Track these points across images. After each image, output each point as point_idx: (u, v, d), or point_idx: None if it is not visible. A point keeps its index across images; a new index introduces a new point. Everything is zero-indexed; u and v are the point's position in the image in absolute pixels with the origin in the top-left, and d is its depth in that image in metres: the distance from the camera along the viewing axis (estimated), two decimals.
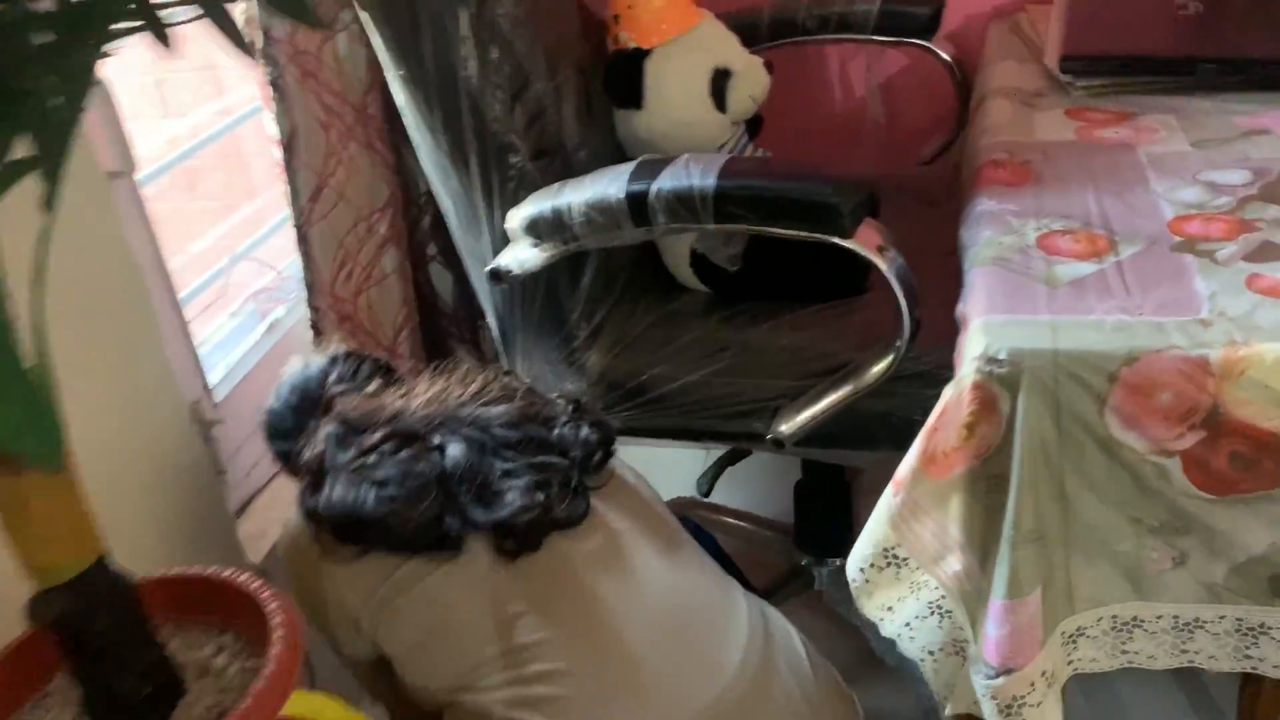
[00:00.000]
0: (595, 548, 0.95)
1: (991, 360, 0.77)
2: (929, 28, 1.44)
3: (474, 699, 0.88)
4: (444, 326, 1.55)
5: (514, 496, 0.91)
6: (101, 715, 0.75)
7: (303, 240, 1.35)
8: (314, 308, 1.39)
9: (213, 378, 1.41)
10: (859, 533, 1.53)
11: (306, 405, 1.07)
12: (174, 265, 1.53)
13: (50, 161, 0.59)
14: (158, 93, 1.87)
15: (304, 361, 1.12)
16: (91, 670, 0.73)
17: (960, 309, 0.89)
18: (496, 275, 1.11)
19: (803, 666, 0.96)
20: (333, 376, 1.08)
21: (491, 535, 0.91)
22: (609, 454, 1.02)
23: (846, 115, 1.59)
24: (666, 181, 0.98)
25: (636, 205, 0.99)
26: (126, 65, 1.63)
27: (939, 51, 1.46)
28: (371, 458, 0.93)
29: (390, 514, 0.90)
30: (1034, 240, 0.90)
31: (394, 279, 1.41)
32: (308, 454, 0.99)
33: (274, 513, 1.45)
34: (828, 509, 1.50)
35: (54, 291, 0.65)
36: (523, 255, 1.09)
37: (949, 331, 1.09)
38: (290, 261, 1.58)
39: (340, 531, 0.94)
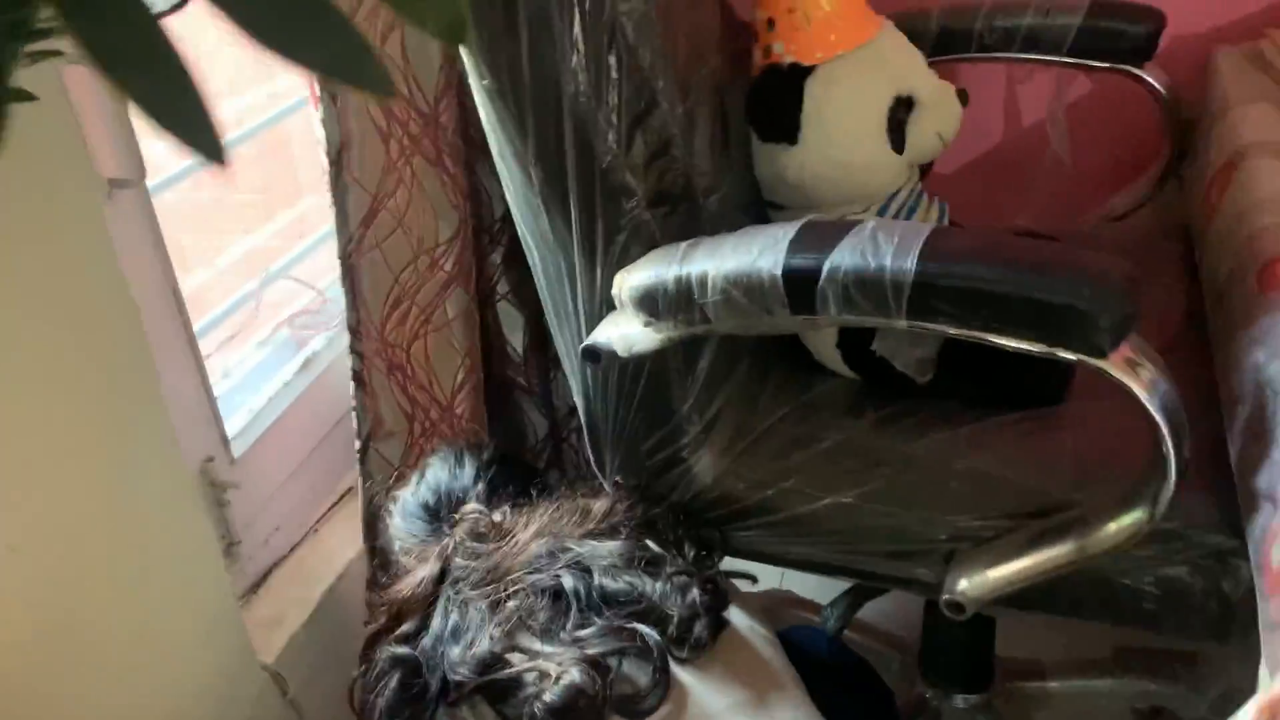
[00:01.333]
0: None
1: None
2: (1143, 51, 1.15)
3: None
4: (510, 378, 1.29)
5: (561, 683, 0.72)
6: None
7: (349, 272, 1.09)
8: (358, 353, 1.13)
9: (232, 426, 1.16)
10: (1000, 665, 1.26)
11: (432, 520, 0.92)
12: (196, 282, 1.28)
13: None
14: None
15: (447, 465, 0.96)
16: None
17: (1267, 479, 0.61)
18: (593, 354, 0.84)
19: None
20: (476, 490, 0.92)
21: None
22: (719, 626, 0.79)
23: (1019, 151, 1.30)
24: (845, 258, 0.71)
25: (799, 287, 0.72)
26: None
27: (1151, 80, 1.16)
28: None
29: None
30: None
31: (458, 324, 1.15)
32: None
33: (294, 590, 1.20)
34: (966, 636, 1.22)
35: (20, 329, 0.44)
36: (630, 333, 0.82)
37: (1196, 472, 0.81)
38: (333, 280, 1.33)
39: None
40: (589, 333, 0.86)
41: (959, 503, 0.85)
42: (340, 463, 1.29)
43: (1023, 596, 0.83)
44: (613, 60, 0.79)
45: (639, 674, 0.74)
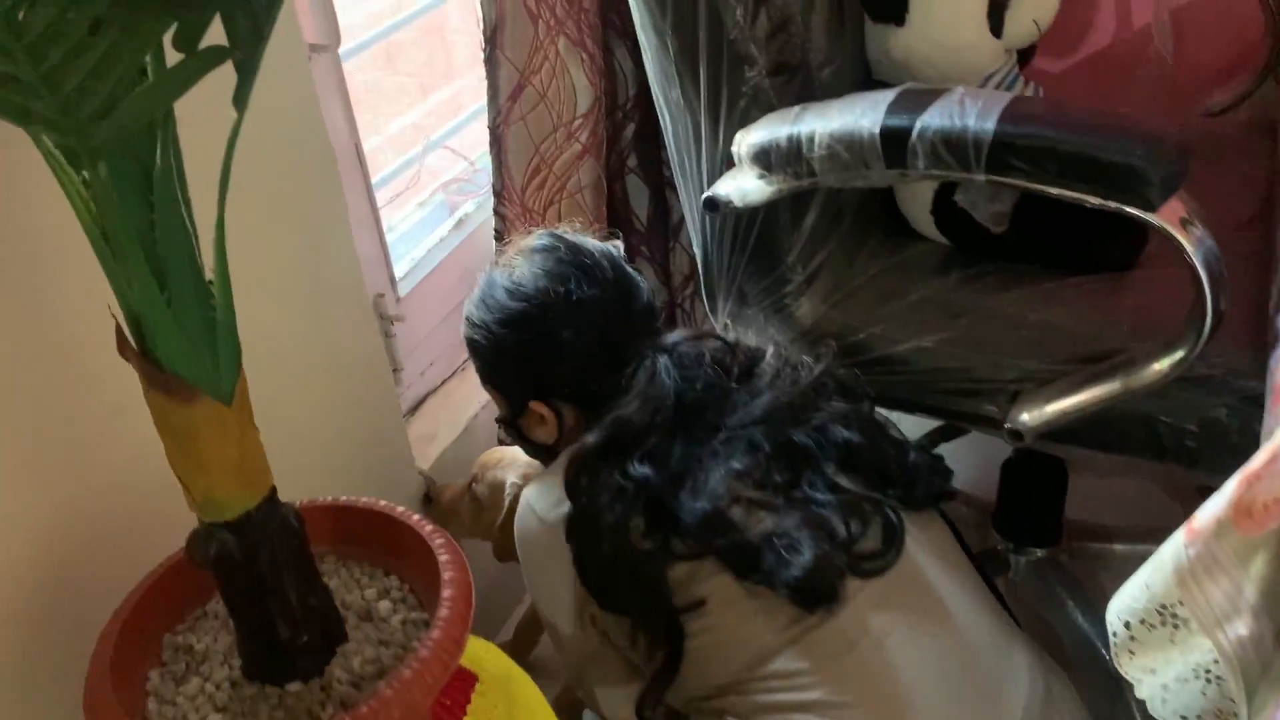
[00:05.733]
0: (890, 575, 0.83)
1: None
2: None
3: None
4: (634, 245, 1.44)
5: (805, 555, 0.77)
6: (255, 656, 0.70)
7: (496, 142, 1.25)
8: (499, 215, 1.29)
9: (397, 270, 1.35)
10: (1066, 523, 1.38)
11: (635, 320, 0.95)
12: (368, 148, 1.46)
13: (246, 49, 0.49)
14: None
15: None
16: (249, 612, 0.67)
17: None
18: (713, 204, 0.98)
19: None
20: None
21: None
22: (945, 497, 0.91)
23: (1123, 47, 1.36)
24: (934, 119, 0.83)
25: (893, 144, 0.84)
26: None
27: None
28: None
29: None
30: None
31: (589, 193, 1.30)
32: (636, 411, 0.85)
33: (445, 414, 1.40)
34: (1037, 496, 1.34)
35: (244, 169, 0.58)
36: (746, 185, 0.95)
37: (1245, 328, 0.91)
38: (483, 153, 1.50)
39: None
40: (710, 186, 1.00)
41: (1027, 349, 0.97)
42: None
43: (1077, 431, 0.96)
44: None
45: (868, 533, 0.81)
